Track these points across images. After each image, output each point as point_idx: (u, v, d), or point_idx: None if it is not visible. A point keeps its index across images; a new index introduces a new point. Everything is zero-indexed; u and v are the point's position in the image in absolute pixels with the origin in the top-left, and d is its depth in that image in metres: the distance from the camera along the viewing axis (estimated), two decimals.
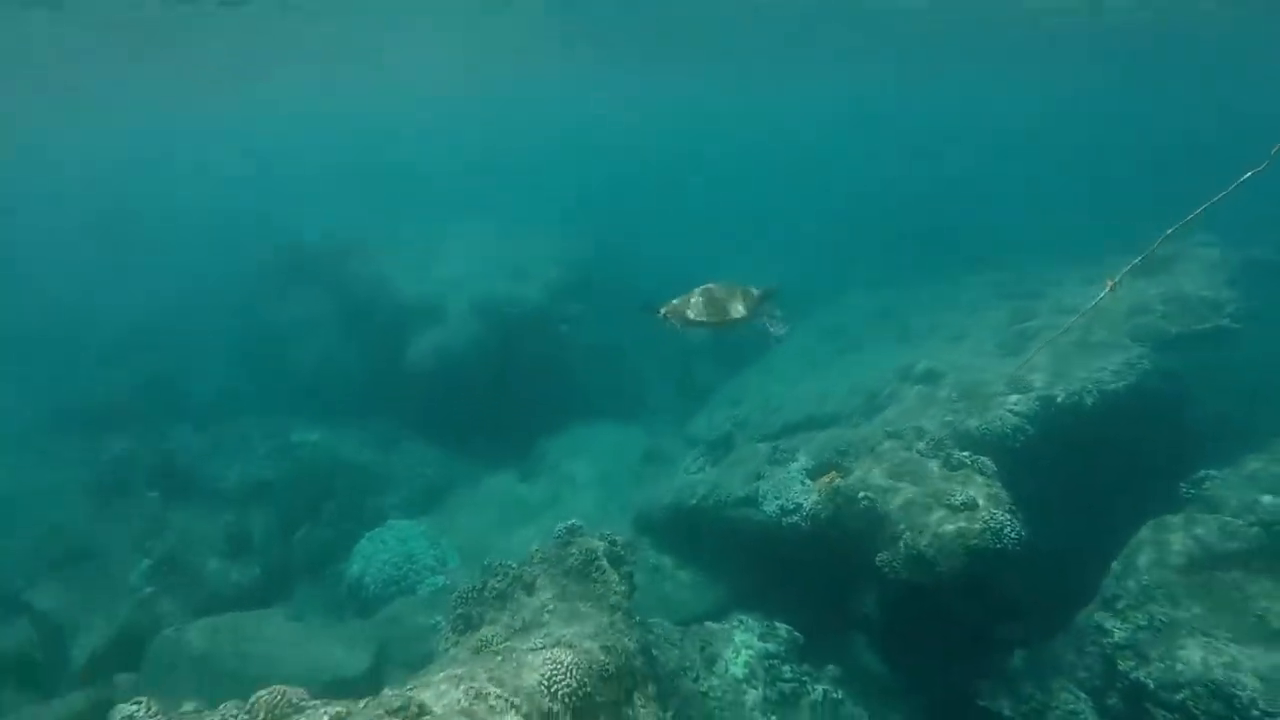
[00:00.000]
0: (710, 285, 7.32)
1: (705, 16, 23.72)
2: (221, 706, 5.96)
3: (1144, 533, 9.56)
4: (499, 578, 9.20)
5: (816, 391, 15.10)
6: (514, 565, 9.14)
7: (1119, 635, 8.64)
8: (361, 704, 6.01)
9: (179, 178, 38.23)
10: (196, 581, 12.03)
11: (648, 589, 12.25)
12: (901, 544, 8.86)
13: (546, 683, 6.46)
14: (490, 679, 6.36)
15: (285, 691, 6.11)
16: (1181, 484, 9.99)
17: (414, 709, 5.45)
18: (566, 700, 6.30)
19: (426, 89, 42.56)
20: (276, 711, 5.90)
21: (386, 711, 5.46)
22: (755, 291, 7.36)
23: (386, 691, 6.30)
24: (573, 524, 9.44)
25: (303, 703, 6.11)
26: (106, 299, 22.61)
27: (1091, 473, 11.15)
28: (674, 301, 7.30)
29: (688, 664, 9.04)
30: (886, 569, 8.95)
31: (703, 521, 11.88)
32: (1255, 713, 7.02)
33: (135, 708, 5.87)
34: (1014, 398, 11.26)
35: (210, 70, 26.15)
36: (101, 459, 14.07)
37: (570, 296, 19.59)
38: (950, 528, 8.47)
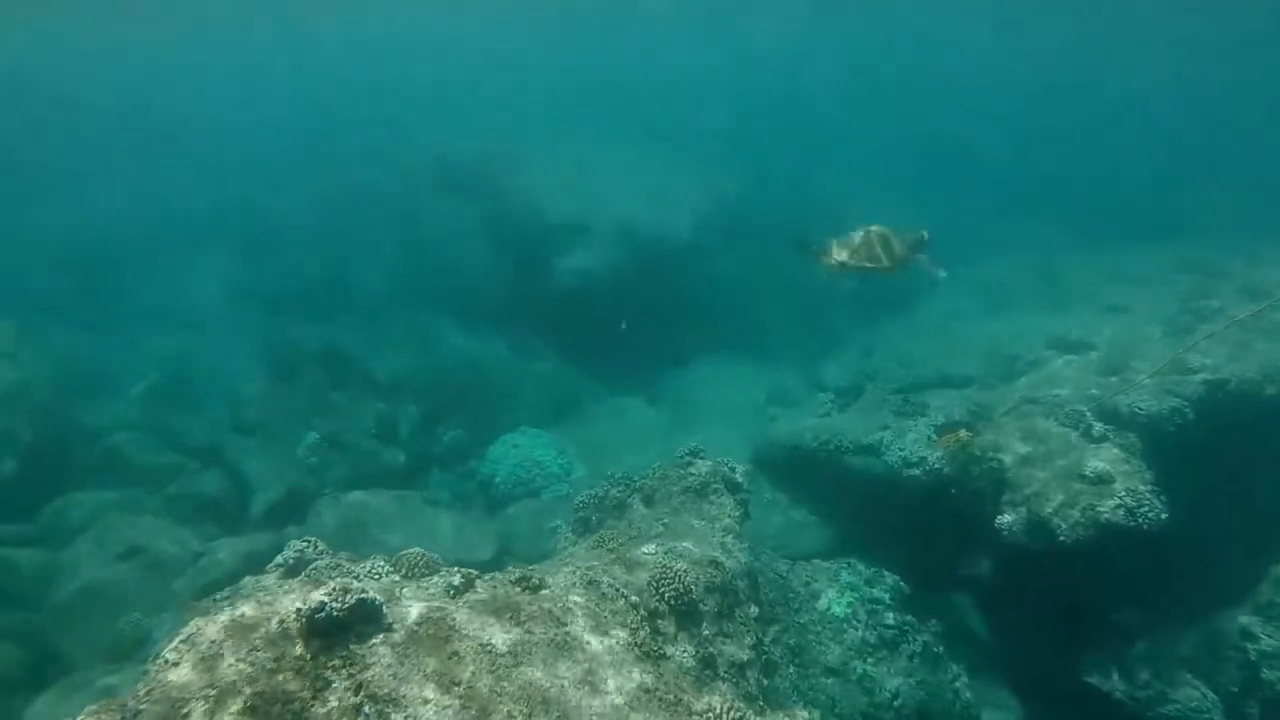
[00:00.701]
0: (869, 228, 7.21)
1: None
2: (372, 558, 6.81)
3: None
4: (620, 488, 9.75)
5: (953, 350, 14.60)
6: (636, 478, 9.65)
7: (1267, 643, 8.15)
8: (489, 575, 6.70)
9: (329, 88, 40.50)
10: (351, 457, 13.44)
11: (762, 521, 12.54)
12: (1026, 509, 8.65)
13: (655, 583, 6.90)
14: (605, 571, 6.90)
15: (425, 554, 6.88)
16: None
17: (535, 581, 6.03)
18: (673, 602, 6.72)
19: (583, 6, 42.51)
20: (418, 569, 6.67)
21: (510, 580, 6.08)
22: (910, 237, 7.20)
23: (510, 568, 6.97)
24: (695, 446, 9.80)
25: (439, 564, 6.87)
26: (283, 199, 24.69)
27: (1258, 469, 10.31)
28: (830, 242, 7.25)
29: (791, 595, 9.30)
30: (1006, 532, 8.80)
31: (822, 464, 11.93)
32: None
33: (305, 544, 6.82)
34: (1174, 378, 10.48)
35: None
36: (279, 341, 15.75)
37: (716, 230, 19.56)
38: (1082, 499, 8.16)
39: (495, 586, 5.93)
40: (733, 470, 9.45)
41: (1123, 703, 8.76)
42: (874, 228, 7.10)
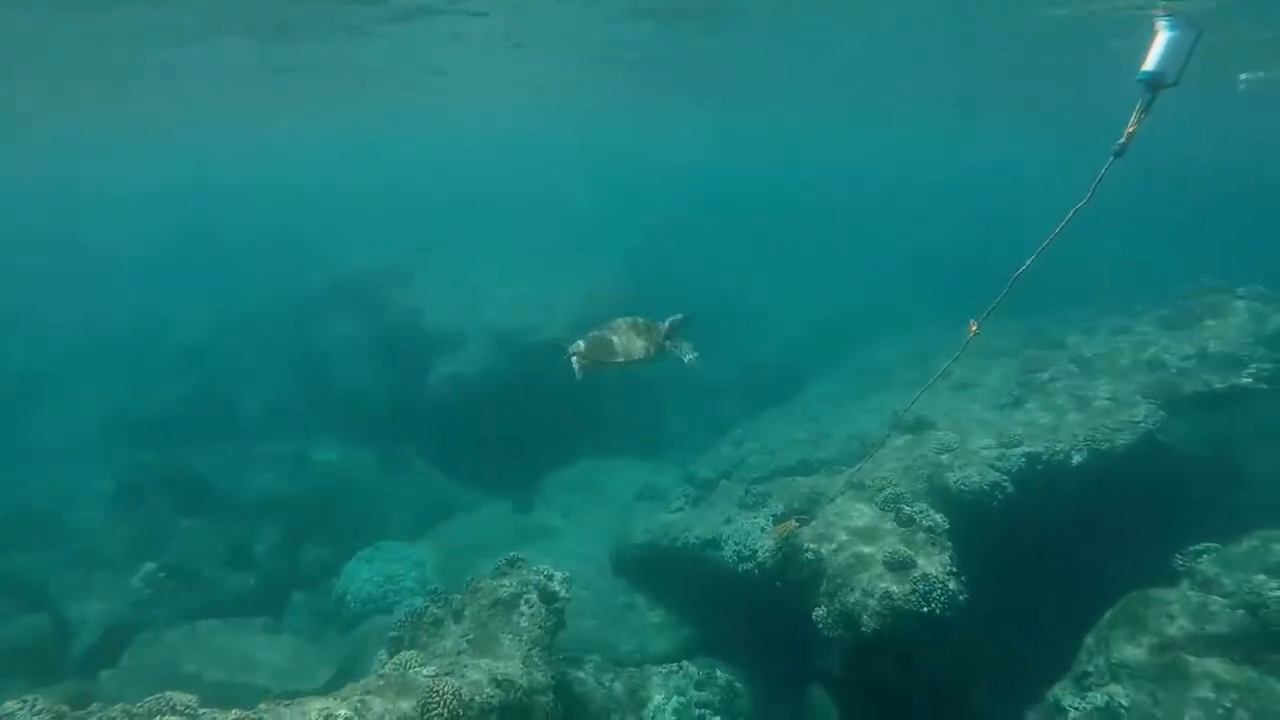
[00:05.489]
0: (616, 322, 7.33)
1: (762, 61, 23.94)
2: (102, 706, 6.32)
3: (1122, 605, 8.90)
4: (439, 604, 9.38)
5: (816, 435, 14.76)
6: (450, 593, 9.31)
7: (1074, 715, 8.03)
8: (232, 714, 6.29)
9: (230, 201, 41.01)
10: (193, 587, 12.73)
11: (616, 626, 12.19)
12: (837, 600, 8.55)
13: (422, 708, 6.56)
14: (360, 700, 6.52)
15: (171, 698, 6.44)
16: (1177, 555, 9.24)
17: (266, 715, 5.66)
18: None
19: (475, 125, 44.24)
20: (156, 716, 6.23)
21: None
22: (664, 325, 7.33)
23: (263, 705, 6.54)
24: (514, 556, 9.52)
25: (187, 709, 6.42)
26: (172, 314, 24.48)
27: (1079, 537, 10.47)
28: (580, 341, 7.34)
29: (613, 705, 8.92)
30: (821, 625, 8.65)
31: (671, 562, 11.75)
32: None
33: (19, 705, 6.30)
34: (996, 453, 10.74)
35: (268, 98, 28.18)
36: (127, 469, 15.18)
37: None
38: (880, 586, 8.12)
39: None
40: (549, 578, 9.17)
41: None
42: (622, 320, 7.22)
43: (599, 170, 52.28)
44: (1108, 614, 8.84)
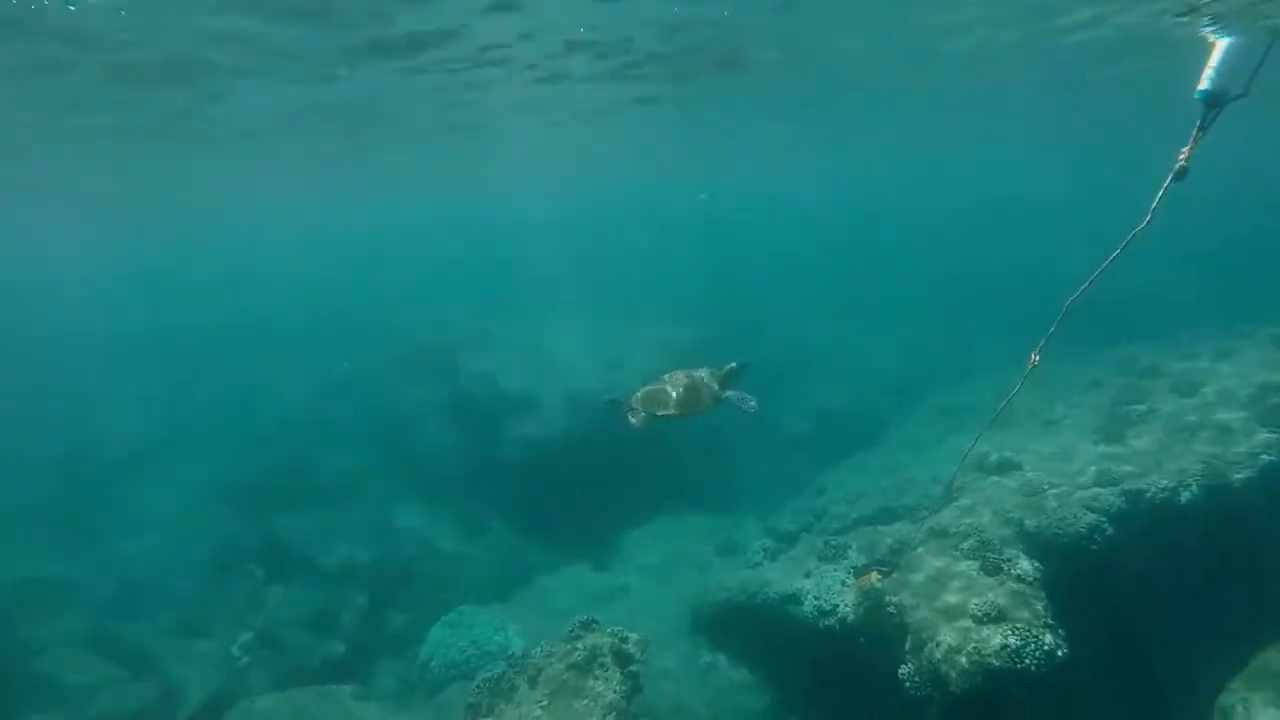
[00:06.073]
0: (672, 373, 7.30)
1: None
2: None
3: (1263, 659, 8.12)
4: (516, 669, 9.35)
5: (899, 481, 14.19)
6: (526, 657, 9.26)
7: None
8: None
9: (316, 280, 43.60)
10: (284, 654, 13.11)
11: (698, 687, 11.86)
12: (923, 657, 8.06)
13: None
14: None
15: None
16: None
17: None
18: None
19: (534, 187, 45.77)
20: None
21: None
22: (718, 373, 7.24)
23: None
24: (587, 618, 9.46)
25: None
26: (272, 386, 25.88)
27: (1195, 582, 9.59)
28: (634, 396, 7.34)
29: None
30: (908, 683, 8.14)
31: (751, 619, 11.34)
32: None
33: None
34: (1091, 493, 10.03)
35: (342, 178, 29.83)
36: (215, 538, 15.91)
37: None
38: (970, 642, 7.60)
39: None
40: (624, 640, 9.03)
41: None
42: (678, 372, 7.19)
43: (665, 220, 53.06)
44: (1244, 671, 8.07)
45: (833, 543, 11.27)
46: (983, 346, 23.41)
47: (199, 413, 25.80)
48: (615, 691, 8.41)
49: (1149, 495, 9.81)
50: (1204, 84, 4.39)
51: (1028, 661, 7.23)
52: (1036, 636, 7.36)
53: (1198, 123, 4.44)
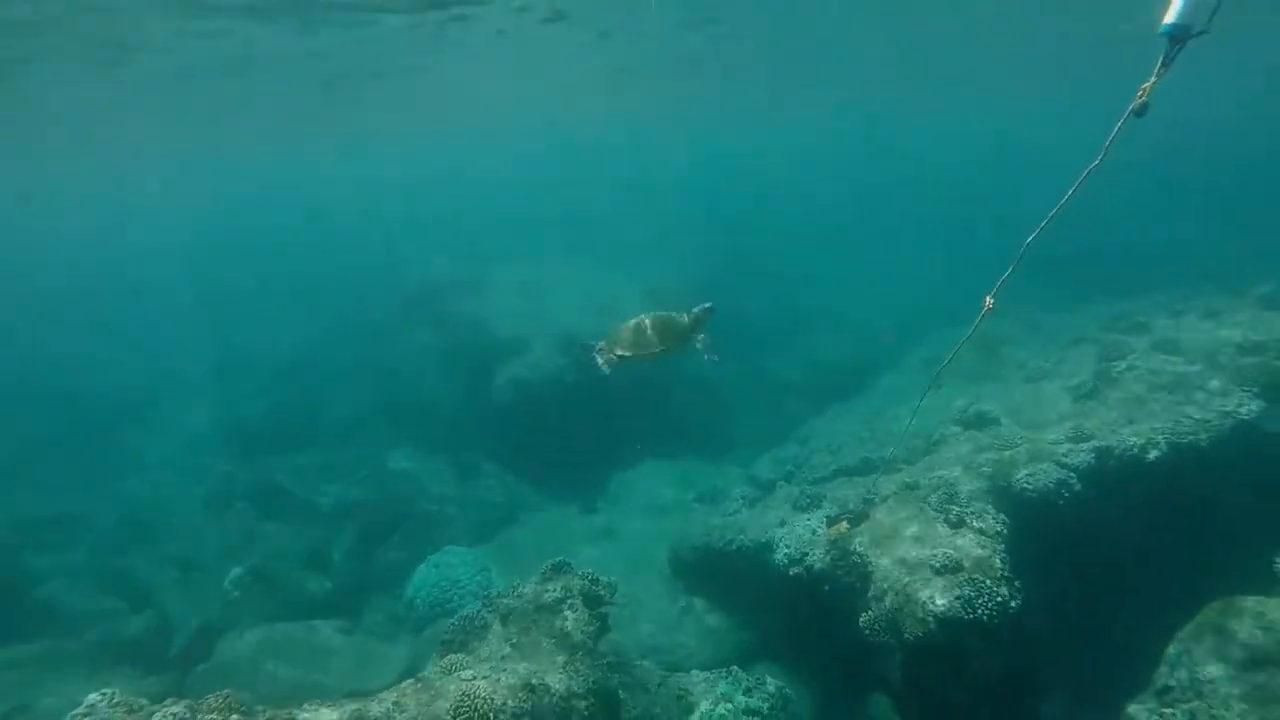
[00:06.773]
0: (642, 317, 7.33)
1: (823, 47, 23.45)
2: (172, 700, 6.77)
3: (1207, 613, 8.25)
4: (490, 609, 9.62)
5: (880, 432, 14.30)
6: (500, 597, 9.52)
7: None
8: (283, 713, 6.66)
9: (320, 225, 43.45)
10: (275, 590, 13.53)
11: (673, 630, 12.17)
12: (883, 605, 8.28)
13: (451, 713, 6.76)
14: (395, 701, 6.78)
15: (229, 695, 6.84)
16: (1277, 560, 8.51)
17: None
18: None
19: (529, 135, 45.03)
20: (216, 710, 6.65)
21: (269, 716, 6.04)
22: (689, 316, 7.27)
23: (308, 705, 6.89)
24: (560, 561, 9.66)
25: (243, 707, 6.83)
26: (268, 337, 26.07)
27: (1160, 539, 9.75)
28: (606, 339, 7.41)
29: (658, 711, 8.91)
30: (868, 630, 8.39)
31: (725, 566, 11.63)
32: None
33: (100, 697, 6.83)
34: (1064, 448, 10.12)
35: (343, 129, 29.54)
36: (213, 478, 16.28)
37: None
38: (926, 591, 7.80)
39: None
40: (594, 583, 9.25)
41: None
42: (645, 315, 7.22)
43: (661, 168, 52.33)
44: (1190, 623, 8.23)
45: (809, 492, 11.47)
46: (979, 297, 23.24)
47: (204, 358, 26.10)
48: (583, 632, 8.66)
49: (1118, 452, 9.92)
50: (1170, 18, 4.28)
51: (980, 613, 7.42)
52: (991, 589, 7.54)
53: (1161, 58, 4.35)
